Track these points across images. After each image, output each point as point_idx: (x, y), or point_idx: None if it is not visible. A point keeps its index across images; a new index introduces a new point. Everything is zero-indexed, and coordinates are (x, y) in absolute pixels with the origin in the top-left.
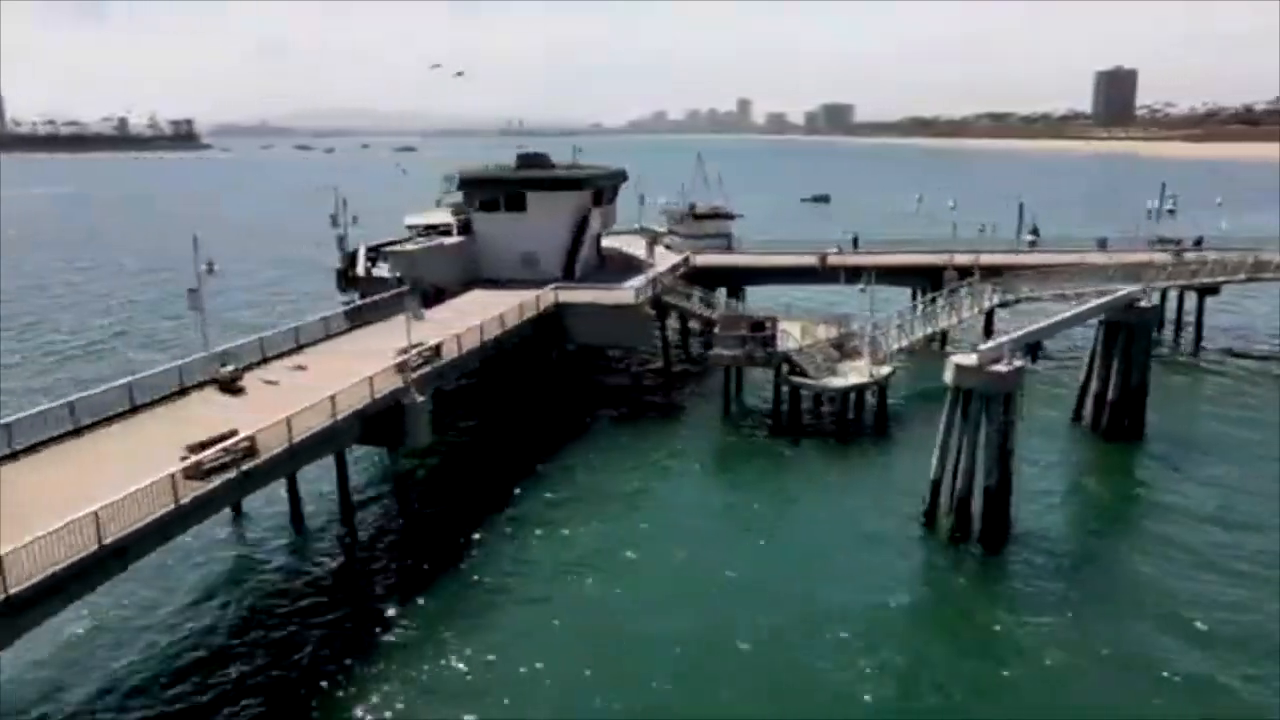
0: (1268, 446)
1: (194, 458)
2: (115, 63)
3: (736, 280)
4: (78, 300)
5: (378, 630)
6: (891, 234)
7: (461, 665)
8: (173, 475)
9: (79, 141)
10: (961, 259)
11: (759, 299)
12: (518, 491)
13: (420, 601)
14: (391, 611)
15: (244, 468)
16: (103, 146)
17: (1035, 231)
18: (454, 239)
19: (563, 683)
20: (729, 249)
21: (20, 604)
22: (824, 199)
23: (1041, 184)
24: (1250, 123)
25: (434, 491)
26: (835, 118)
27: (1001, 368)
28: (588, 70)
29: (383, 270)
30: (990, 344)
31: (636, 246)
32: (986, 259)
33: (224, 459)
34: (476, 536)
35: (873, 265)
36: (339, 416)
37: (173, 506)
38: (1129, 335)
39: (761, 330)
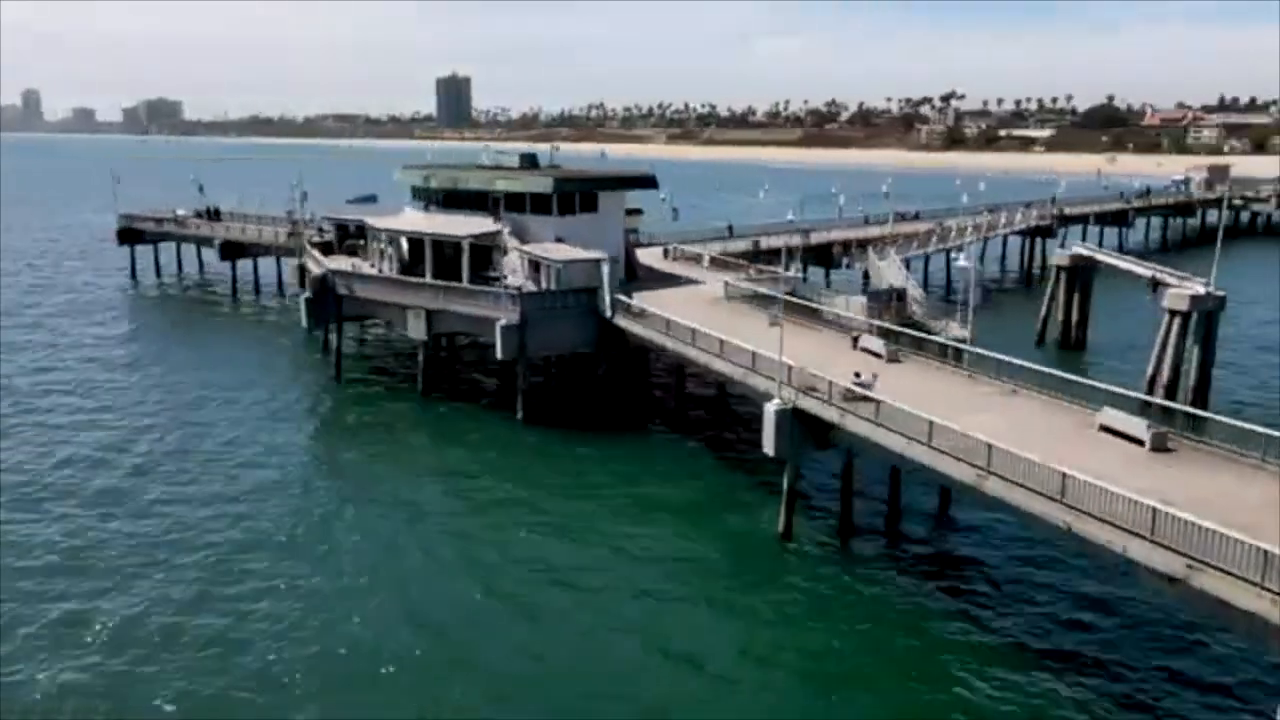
0: None
1: None
2: None
3: None
4: None
5: None
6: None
7: None
8: None
9: None
10: (844, 236)
11: None
12: None
13: None
14: None
15: None
16: None
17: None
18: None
19: None
20: (637, 244)
21: None
22: (372, 199)
23: None
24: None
25: None
26: (161, 114)
27: (1218, 291)
28: None
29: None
30: (1198, 279)
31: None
32: (856, 234)
33: None
34: None
35: (795, 247)
36: None
37: None
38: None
39: (902, 300)
